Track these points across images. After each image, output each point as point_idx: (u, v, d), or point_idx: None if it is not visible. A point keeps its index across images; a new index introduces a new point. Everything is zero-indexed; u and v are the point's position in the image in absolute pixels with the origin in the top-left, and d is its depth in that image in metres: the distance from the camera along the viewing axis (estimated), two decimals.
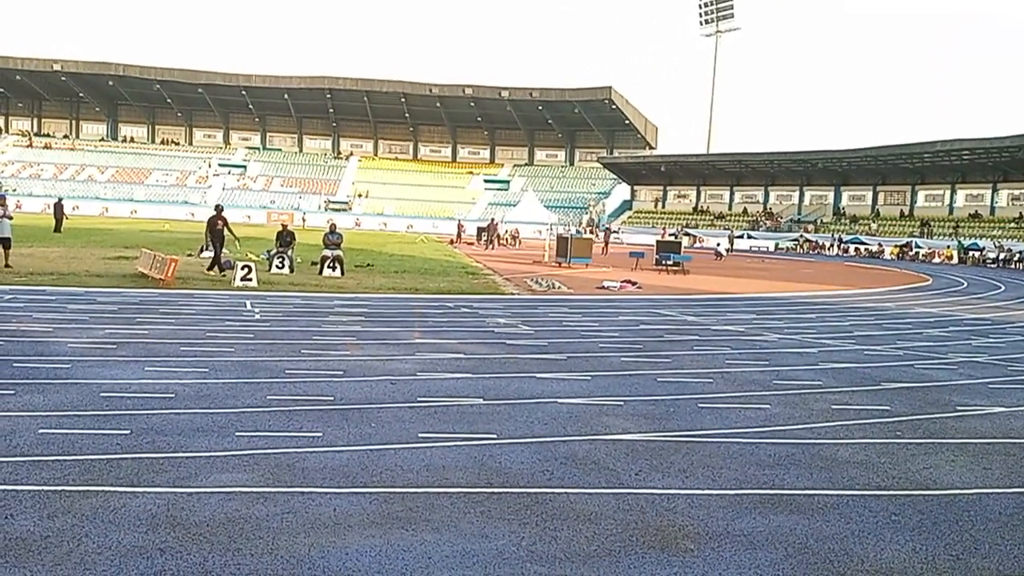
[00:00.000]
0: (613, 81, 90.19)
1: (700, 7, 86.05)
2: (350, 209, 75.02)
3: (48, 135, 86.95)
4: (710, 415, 7.73)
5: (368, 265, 24.85)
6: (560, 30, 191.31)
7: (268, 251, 24.55)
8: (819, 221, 66.77)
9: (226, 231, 20.74)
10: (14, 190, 63.35)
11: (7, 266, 18.41)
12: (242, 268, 17.81)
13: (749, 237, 64.50)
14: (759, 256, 50.43)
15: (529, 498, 5.23)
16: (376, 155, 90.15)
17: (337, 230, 22.86)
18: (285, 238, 22.03)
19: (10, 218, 19.50)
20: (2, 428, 6.19)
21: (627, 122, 79.58)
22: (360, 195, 79.33)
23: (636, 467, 6.01)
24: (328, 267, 21.01)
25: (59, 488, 4.99)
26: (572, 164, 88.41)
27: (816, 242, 61.39)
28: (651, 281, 24.27)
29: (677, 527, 4.86)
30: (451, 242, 48.59)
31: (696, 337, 12.99)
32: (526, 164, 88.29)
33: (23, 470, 5.29)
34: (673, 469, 6.01)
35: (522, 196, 56.52)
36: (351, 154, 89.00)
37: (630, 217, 76.77)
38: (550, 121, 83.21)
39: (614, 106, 76.31)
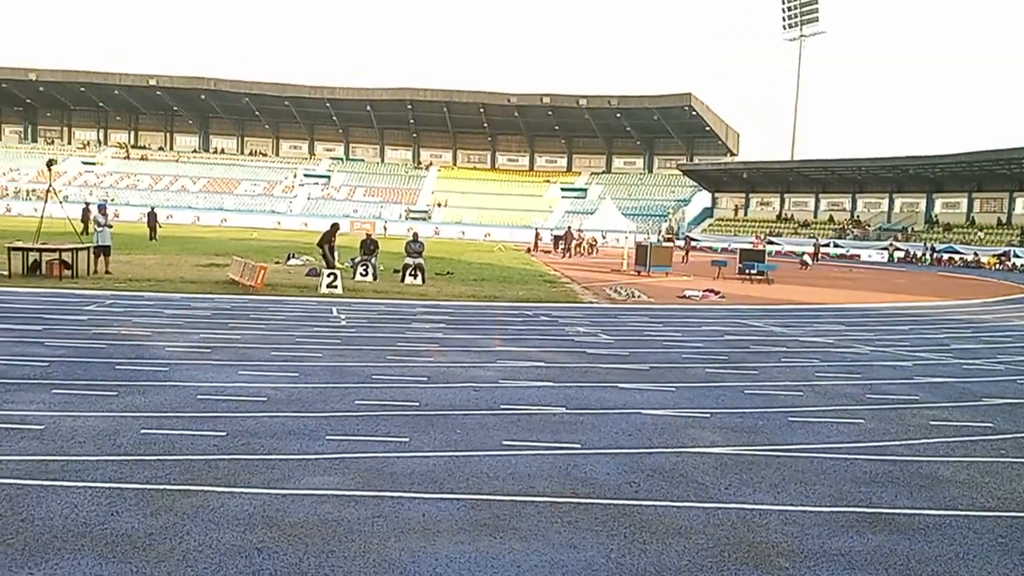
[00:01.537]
0: (692, 87, 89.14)
1: (783, 11, 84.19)
2: (429, 218, 76.09)
3: (144, 147, 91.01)
4: (801, 429, 7.51)
5: (448, 273, 25.12)
6: (638, 37, 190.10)
7: (352, 259, 25.08)
8: (910, 229, 64.34)
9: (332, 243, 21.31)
10: (113, 199, 66.43)
11: (107, 272, 19.33)
12: (328, 275, 18.23)
13: (835, 246, 62.59)
14: (846, 265, 48.87)
15: (616, 510, 5.18)
16: (455, 165, 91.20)
17: (419, 239, 23.24)
18: (369, 246, 22.47)
19: (110, 227, 20.48)
20: (107, 428, 6.48)
21: (707, 128, 78.45)
22: (439, 204, 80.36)
23: (725, 481, 5.88)
24: (410, 275, 21.33)
25: (161, 487, 5.19)
26: (651, 171, 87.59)
27: (907, 251, 59.14)
28: (734, 291, 23.79)
29: (770, 544, 4.73)
30: (528, 250, 48.71)
31: (783, 348, 12.65)
32: (603, 172, 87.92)
33: (127, 469, 5.52)
34: (764, 484, 5.86)
35: (599, 204, 56.31)
36: (431, 164, 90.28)
37: (711, 225, 75.52)
38: (628, 128, 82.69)
39: (694, 112, 75.33)
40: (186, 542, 4.34)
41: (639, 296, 20.61)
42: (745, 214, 76.50)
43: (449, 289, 20.22)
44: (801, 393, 9.17)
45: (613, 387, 9.01)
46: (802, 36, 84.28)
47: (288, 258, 27.46)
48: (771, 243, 59.09)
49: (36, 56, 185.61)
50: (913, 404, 8.83)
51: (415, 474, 5.68)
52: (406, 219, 73.60)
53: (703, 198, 79.99)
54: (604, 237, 50.61)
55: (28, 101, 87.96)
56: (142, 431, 6.41)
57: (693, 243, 54.25)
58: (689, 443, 6.85)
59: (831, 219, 70.04)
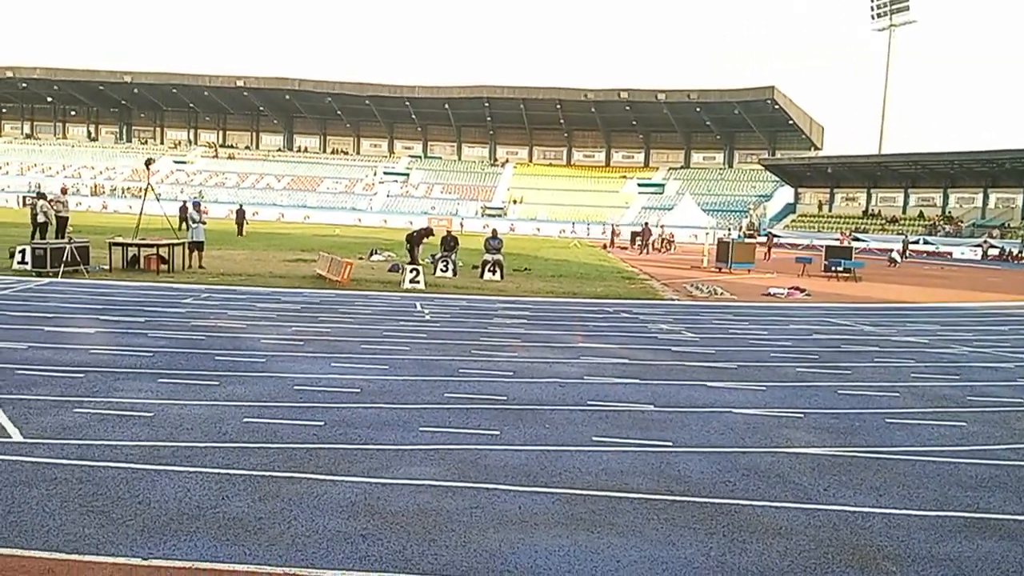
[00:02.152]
0: (775, 80, 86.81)
1: (872, 0, 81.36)
2: (505, 214, 76.41)
3: (232, 146, 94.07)
4: (900, 431, 7.28)
5: (526, 269, 25.20)
6: (717, 29, 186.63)
7: (433, 255, 25.42)
8: (1006, 225, 61.40)
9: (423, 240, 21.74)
10: (203, 196, 68.86)
11: (201, 267, 20.09)
12: (411, 271, 18.53)
13: (925, 243, 60.25)
14: (936, 263, 46.99)
15: (713, 508, 5.13)
16: (531, 161, 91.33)
17: (498, 235, 23.39)
18: (449, 243, 22.74)
19: (204, 223, 21.27)
20: (211, 416, 6.75)
21: (790, 122, 76.48)
22: (515, 201, 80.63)
23: (824, 482, 5.75)
24: (489, 271, 21.49)
25: (266, 473, 5.38)
26: (731, 166, 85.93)
27: (1002, 249, 56.46)
28: (820, 288, 23.17)
29: (875, 547, 4.61)
30: (604, 247, 48.43)
31: (876, 348, 12.26)
32: (682, 167, 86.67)
33: (233, 456, 5.75)
34: (864, 486, 5.71)
35: (678, 200, 55.59)
36: (507, 161, 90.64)
37: (793, 221, 73.64)
38: (708, 123, 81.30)
39: (777, 106, 73.55)
40: (294, 527, 4.50)
41: (722, 293, 20.27)
42: (830, 210, 74.32)
43: (527, 285, 20.29)
44: (898, 394, 8.89)
45: (701, 385, 8.90)
46: (891, 26, 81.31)
47: (371, 254, 28.01)
48: (857, 240, 57.31)
49: (130, 59, 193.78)
50: (1018, 407, 8.46)
51: (508, 467, 5.74)
52: (482, 216, 74.10)
53: (785, 193, 78.03)
54: (665, 232, 49.78)
55: (123, 103, 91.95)
56: (244, 420, 6.66)
57: (775, 239, 52.99)
58: (784, 443, 6.72)
59: (921, 215, 67.44)
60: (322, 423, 6.66)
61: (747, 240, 36.41)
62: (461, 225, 63.86)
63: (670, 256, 41.35)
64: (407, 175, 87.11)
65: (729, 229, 53.04)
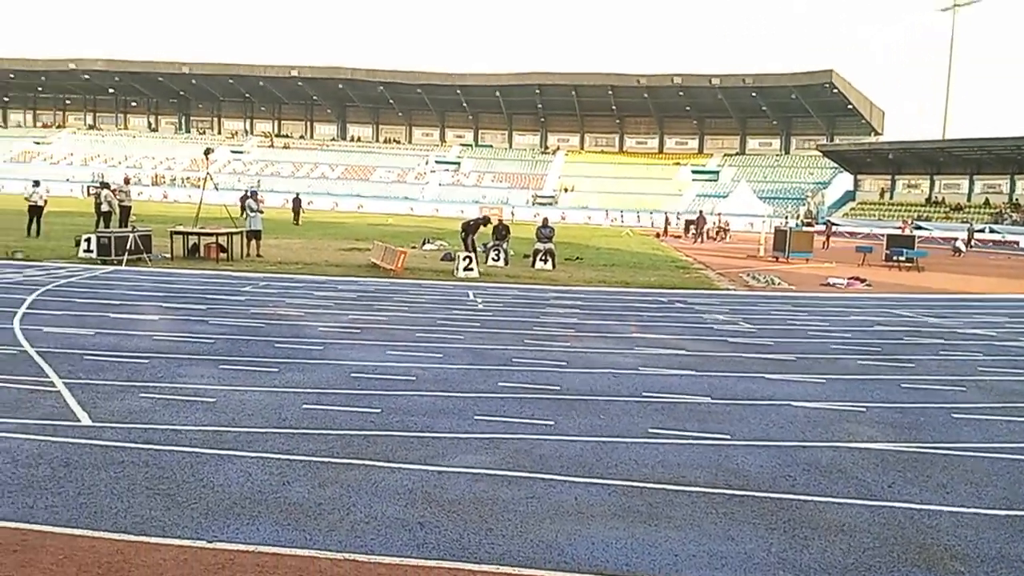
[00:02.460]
0: (832, 63, 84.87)
1: None
2: (556, 203, 76.14)
3: (286, 136, 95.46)
4: (967, 427, 7.06)
5: (577, 258, 25.10)
6: (773, 12, 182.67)
7: (484, 244, 25.47)
8: None
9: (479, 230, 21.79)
10: (258, 184, 70.10)
11: (259, 255, 20.47)
12: (464, 259, 18.61)
13: (991, 231, 58.27)
14: (1004, 252, 45.45)
15: (773, 503, 5.04)
16: (582, 148, 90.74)
17: (549, 224, 23.32)
18: (501, 231, 22.76)
19: (261, 212, 21.65)
20: (272, 402, 6.88)
21: (850, 107, 74.50)
22: (566, 189, 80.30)
23: (888, 479, 5.61)
24: (540, 260, 21.46)
25: (326, 460, 5.46)
26: (787, 153, 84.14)
27: None
28: (882, 278, 22.59)
29: (942, 546, 4.48)
30: (657, 235, 47.97)
31: (940, 341, 11.91)
32: (737, 153, 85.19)
33: (293, 441, 5.84)
34: (931, 483, 5.55)
35: (733, 187, 54.71)
36: (558, 148, 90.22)
37: (853, 209, 71.89)
38: (764, 108, 79.70)
39: (835, 90, 71.70)
40: (353, 513, 4.56)
41: (779, 283, 19.91)
42: (891, 197, 72.32)
43: (579, 274, 20.21)
44: (964, 388, 8.62)
45: (759, 377, 8.75)
46: (956, 6, 78.54)
47: (424, 243, 28.19)
48: (919, 228, 55.66)
49: (189, 51, 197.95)
50: None
51: (564, 457, 5.73)
52: (533, 204, 73.96)
53: (845, 180, 76.12)
54: (721, 221, 49.01)
55: (182, 93, 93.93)
56: (304, 406, 6.77)
57: (834, 228, 51.82)
58: (845, 438, 6.57)
59: (987, 202, 65.17)
60: (379, 410, 6.73)
61: (805, 228, 35.69)
62: (512, 214, 63.82)
63: (725, 245, 40.77)
64: (458, 164, 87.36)
65: (786, 217, 52.07)
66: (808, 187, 75.33)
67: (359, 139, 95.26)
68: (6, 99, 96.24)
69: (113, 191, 25.08)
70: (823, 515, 4.88)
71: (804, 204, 71.19)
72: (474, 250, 20.35)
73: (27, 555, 3.87)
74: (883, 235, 34.04)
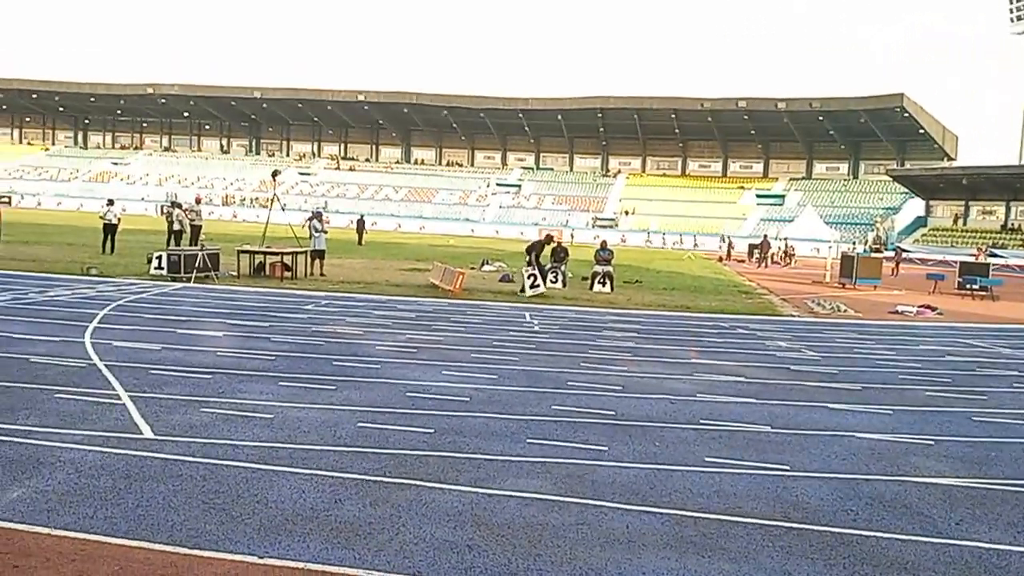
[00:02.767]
0: (903, 87, 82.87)
1: (1011, 3, 76.31)
2: (616, 225, 75.83)
3: (352, 158, 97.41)
4: None
5: (637, 281, 24.90)
6: (842, 36, 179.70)
7: (543, 266, 25.47)
8: None
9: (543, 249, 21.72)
10: (327, 207, 71.56)
11: (322, 274, 20.85)
12: (528, 276, 18.67)
13: None
14: None
15: (833, 538, 4.86)
16: (644, 172, 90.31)
17: (608, 246, 23.20)
18: (559, 253, 22.71)
19: (325, 233, 22.08)
20: (327, 419, 6.95)
21: (921, 131, 72.56)
22: (626, 212, 79.92)
23: (956, 515, 5.36)
24: (599, 282, 21.35)
25: (378, 479, 5.48)
26: (856, 177, 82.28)
27: None
28: (954, 307, 21.81)
29: None
30: (720, 259, 47.28)
31: (1016, 372, 11.41)
32: (803, 178, 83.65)
33: (347, 459, 5.88)
34: (1001, 521, 5.29)
35: (799, 211, 53.68)
36: (619, 171, 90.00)
37: (924, 235, 69.77)
38: (831, 132, 78.17)
39: (906, 114, 69.93)
40: (403, 534, 4.55)
41: (845, 310, 19.39)
42: (964, 223, 69.98)
43: (638, 298, 20.02)
44: None
45: (822, 407, 8.51)
46: None
47: (482, 264, 28.35)
48: (994, 255, 53.65)
49: (260, 76, 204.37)
50: None
51: (616, 484, 5.64)
52: (593, 227, 73.78)
53: (915, 206, 74.00)
54: (786, 245, 47.99)
55: (253, 117, 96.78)
56: (358, 424, 6.82)
57: (904, 254, 50.33)
58: (911, 472, 6.32)
59: None
60: (432, 430, 6.74)
61: (873, 255, 34.72)
62: (571, 236, 63.76)
63: (790, 270, 39.96)
64: (519, 186, 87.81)
65: (854, 243, 50.80)
66: (877, 212, 73.44)
67: (422, 162, 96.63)
68: (87, 122, 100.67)
69: (185, 211, 25.93)
70: (886, 552, 4.68)
71: (873, 230, 69.36)
72: (540, 269, 20.32)
73: (85, 565, 3.96)
74: (956, 262, 32.89)
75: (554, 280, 21.78)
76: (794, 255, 46.93)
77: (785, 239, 46.93)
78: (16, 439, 5.90)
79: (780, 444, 6.95)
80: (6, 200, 72.61)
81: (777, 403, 8.61)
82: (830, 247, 35.68)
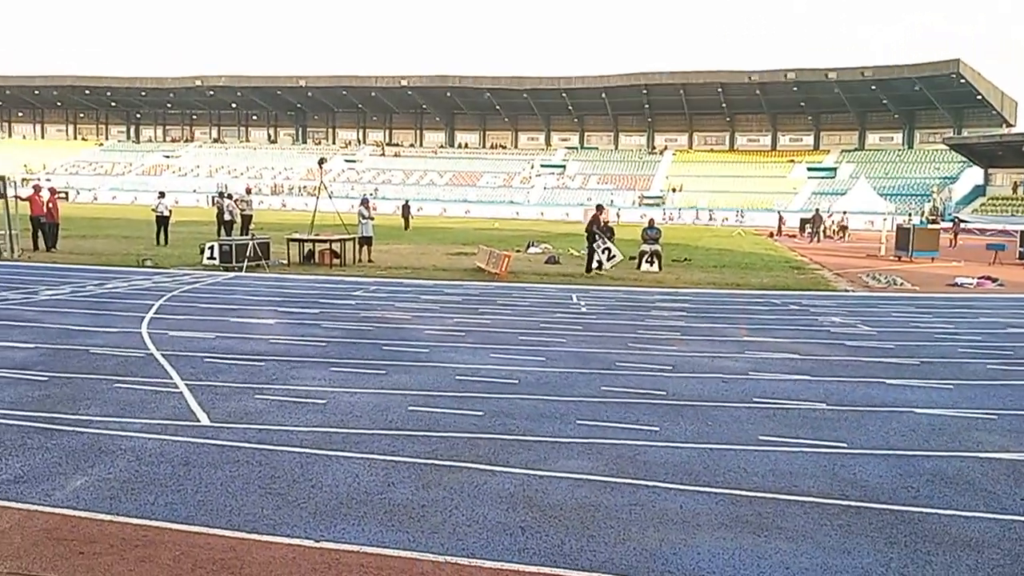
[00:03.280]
0: (959, 52, 80.00)
1: None
2: (663, 203, 75.02)
3: (397, 144, 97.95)
4: None
5: (685, 260, 24.61)
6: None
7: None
8: None
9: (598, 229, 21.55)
10: (375, 194, 72.18)
11: (370, 261, 21.04)
12: (603, 251, 18.89)
13: None
14: None
15: (893, 516, 4.75)
16: (691, 148, 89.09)
17: (655, 224, 22.95)
18: (606, 232, 22.54)
19: (372, 219, 22.25)
20: (379, 403, 7.02)
21: (979, 97, 70.13)
22: (673, 189, 78.98)
23: (1021, 491, 5.20)
24: (646, 261, 21.14)
25: (430, 461, 5.52)
26: (911, 147, 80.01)
27: None
28: (1016, 278, 21.11)
29: None
30: (771, 235, 46.48)
31: None
32: (855, 149, 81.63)
33: (398, 443, 5.93)
34: None
35: (852, 184, 52.39)
36: (665, 148, 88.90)
37: (983, 204, 67.60)
38: (884, 101, 76.01)
39: (962, 80, 67.62)
40: (455, 516, 4.58)
41: (901, 283, 18.90)
42: None
43: (687, 276, 19.79)
44: None
45: (879, 383, 8.31)
46: None
47: (528, 246, 28.30)
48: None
49: (305, 65, 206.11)
50: None
51: (669, 464, 5.59)
52: (639, 205, 73.11)
53: (973, 175, 71.67)
54: (840, 219, 46.85)
55: (299, 106, 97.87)
56: (409, 408, 6.88)
57: (962, 225, 48.84)
58: (973, 447, 6.15)
59: None
60: (481, 413, 6.76)
61: (930, 226, 33.76)
62: (618, 215, 63.26)
63: (844, 244, 39.11)
64: (563, 167, 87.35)
65: (909, 214, 49.48)
66: (933, 182, 71.38)
67: (466, 145, 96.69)
68: (138, 116, 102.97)
69: (236, 201, 26.40)
70: (948, 529, 4.56)
71: (929, 200, 67.47)
72: (603, 239, 20.31)
73: (147, 551, 4.06)
74: (1017, 232, 31.80)
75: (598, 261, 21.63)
76: (847, 228, 45.86)
77: (844, 212, 45.84)
78: (79, 428, 6.08)
79: (836, 421, 6.81)
80: (63, 195, 74.78)
81: (832, 380, 8.43)
82: (885, 219, 34.82)
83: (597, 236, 20.08)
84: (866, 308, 14.69)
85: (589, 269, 19.93)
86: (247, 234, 22.99)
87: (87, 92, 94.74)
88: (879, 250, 30.50)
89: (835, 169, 77.79)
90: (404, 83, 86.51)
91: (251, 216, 26.26)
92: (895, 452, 6.00)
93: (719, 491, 5.08)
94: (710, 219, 67.91)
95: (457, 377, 8.12)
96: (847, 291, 17.55)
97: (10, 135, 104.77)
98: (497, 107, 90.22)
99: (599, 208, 21.76)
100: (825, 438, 6.28)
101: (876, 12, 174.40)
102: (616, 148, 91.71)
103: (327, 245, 20.38)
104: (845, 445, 6.13)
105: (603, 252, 18.88)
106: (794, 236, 45.25)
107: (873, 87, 73.37)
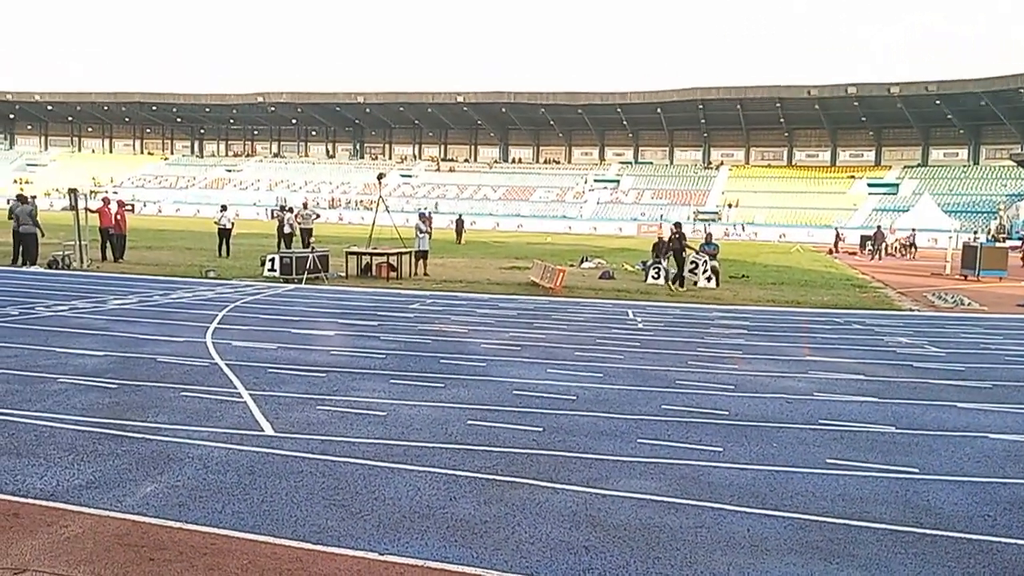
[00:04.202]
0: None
1: None
2: (719, 219, 74.13)
3: (452, 159, 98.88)
4: None
5: (743, 276, 24.25)
6: (957, 17, 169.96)
7: (643, 262, 25.17)
8: None
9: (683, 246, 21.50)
10: (432, 208, 72.84)
11: (426, 274, 21.22)
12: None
13: None
14: None
15: (970, 545, 4.57)
16: (747, 163, 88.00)
17: (712, 240, 22.69)
18: (661, 249, 22.38)
19: (429, 234, 22.46)
20: (438, 417, 7.04)
21: None
22: (730, 204, 78.04)
23: None
24: (704, 277, 20.88)
25: (490, 477, 5.50)
26: (977, 163, 77.77)
27: None
28: None
29: None
30: (829, 251, 45.54)
31: None
32: (918, 165, 79.64)
33: (459, 457, 5.93)
34: None
35: (915, 200, 51.13)
36: (721, 163, 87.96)
37: None
38: (949, 116, 74.09)
39: None
40: (518, 533, 4.54)
41: (969, 304, 18.32)
42: None
43: (746, 293, 19.49)
44: None
45: (950, 406, 8.04)
46: None
47: (582, 261, 28.22)
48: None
49: (362, 81, 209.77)
50: None
51: (734, 486, 5.47)
52: (695, 221, 72.41)
53: None
54: (903, 236, 45.61)
55: (356, 122, 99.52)
56: (468, 422, 6.88)
57: None
58: None
59: None
60: (541, 429, 6.72)
61: (997, 244, 32.68)
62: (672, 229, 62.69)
63: (906, 262, 38.10)
64: (617, 182, 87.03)
65: (976, 232, 47.99)
66: (1001, 199, 69.16)
67: (520, 160, 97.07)
68: (202, 131, 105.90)
69: (297, 215, 26.98)
70: None
71: (996, 218, 65.37)
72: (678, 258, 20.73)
73: (215, 559, 4.12)
74: None
75: (656, 276, 21.48)
76: (910, 246, 44.67)
77: (913, 230, 44.68)
78: (148, 436, 6.22)
79: (907, 445, 6.60)
80: (130, 207, 77.15)
81: (901, 402, 8.19)
82: (950, 237, 33.84)
83: (684, 252, 20.45)
84: (933, 328, 14.26)
85: (678, 282, 19.94)
86: (307, 247, 23.42)
87: (153, 108, 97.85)
88: (944, 268, 29.63)
89: (897, 185, 76.00)
90: (459, 99, 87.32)
91: (311, 229, 26.74)
92: (970, 479, 5.79)
93: (787, 515, 4.96)
94: (780, 237, 66.58)
95: (515, 392, 8.10)
96: (912, 310, 17.07)
97: (80, 149, 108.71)
98: (551, 122, 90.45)
99: (678, 225, 21.96)
100: (896, 463, 6.09)
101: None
102: (671, 163, 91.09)
103: (384, 258, 20.61)
104: (917, 470, 5.93)
105: (699, 270, 19.13)
106: (854, 253, 44.24)
107: (937, 101, 71.60)
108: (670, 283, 20.15)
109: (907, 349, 11.68)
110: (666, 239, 22.53)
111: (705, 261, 20.27)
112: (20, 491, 4.96)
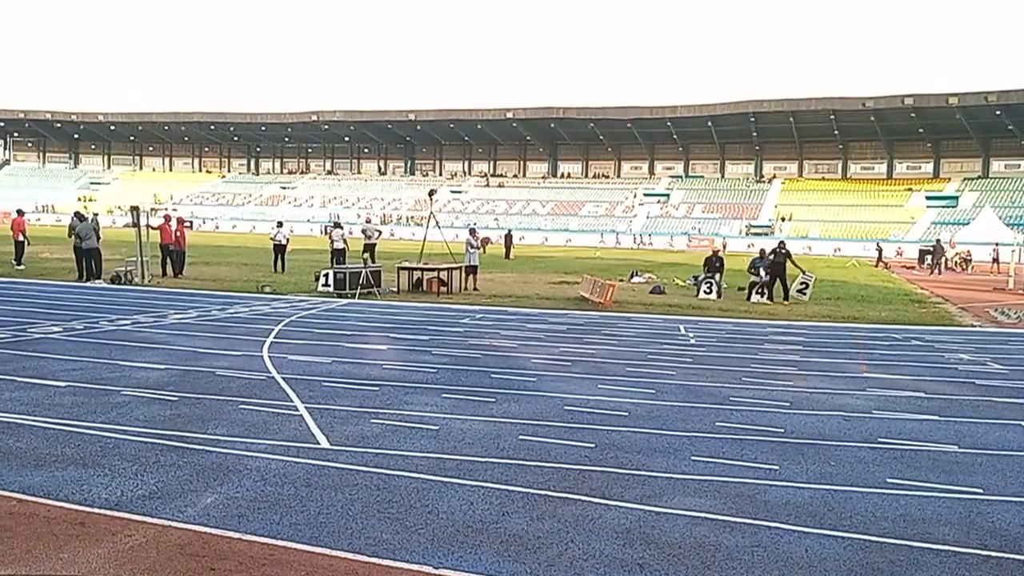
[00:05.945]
0: None
1: None
2: (771, 233, 73.02)
3: (501, 175, 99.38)
4: None
5: (800, 290, 23.78)
6: (1014, 23, 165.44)
7: (695, 276, 24.93)
8: None
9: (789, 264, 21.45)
10: (478, 224, 73.23)
11: (475, 289, 21.34)
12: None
13: None
14: None
15: None
16: (800, 176, 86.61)
17: (766, 255, 22.36)
18: (714, 263, 22.14)
19: (479, 248, 22.60)
20: (490, 431, 7.07)
21: None
22: (783, 218, 76.86)
23: None
24: (756, 293, 20.61)
25: (543, 492, 5.50)
26: None
27: None
28: None
29: None
30: (886, 266, 44.50)
31: None
32: (979, 177, 77.42)
33: (511, 472, 5.95)
34: None
35: (975, 213, 49.71)
36: (774, 177, 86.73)
37: None
38: (1011, 127, 71.95)
39: None
40: (572, 549, 4.54)
41: None
42: None
43: (801, 308, 19.17)
44: None
45: (1015, 425, 7.79)
46: None
47: (632, 276, 28.07)
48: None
49: (414, 99, 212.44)
50: None
51: (791, 505, 5.38)
52: (747, 235, 71.48)
53: None
54: (961, 249, 44.27)
55: (408, 139, 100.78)
56: (520, 437, 6.89)
57: None
58: None
59: None
60: (593, 445, 6.70)
61: None
62: (724, 245, 62.01)
63: (966, 277, 37.04)
64: (667, 195, 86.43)
65: None
66: None
67: (569, 175, 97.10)
68: (258, 149, 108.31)
69: (364, 231, 27.84)
70: None
71: None
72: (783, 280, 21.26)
73: (273, 569, 4.20)
74: None
75: (708, 291, 21.27)
76: (971, 260, 43.34)
77: (996, 245, 43.34)
78: (208, 447, 6.37)
79: (970, 465, 6.42)
80: (189, 224, 79.23)
81: (964, 420, 7.96)
82: (1012, 251, 32.80)
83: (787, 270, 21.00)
84: (996, 345, 13.84)
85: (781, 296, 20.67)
86: (374, 261, 23.93)
87: (212, 127, 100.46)
88: (1007, 283, 28.73)
89: (956, 198, 74.01)
90: (509, 115, 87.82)
91: (375, 245, 27.23)
92: None
93: (846, 535, 4.86)
94: (835, 251, 65.21)
95: (566, 407, 8.09)
96: (974, 326, 16.59)
97: (141, 168, 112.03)
98: (600, 137, 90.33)
99: (782, 244, 22.24)
100: (959, 483, 5.93)
101: (998, 26, 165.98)
102: (722, 176, 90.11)
103: (435, 273, 20.79)
104: (981, 491, 5.76)
105: (808, 290, 19.65)
106: (912, 267, 43.17)
107: (998, 112, 69.62)
108: (769, 298, 20.43)
109: (969, 366, 11.36)
110: (720, 254, 22.56)
111: (812, 279, 20.54)
112: (86, 501, 5.12)
